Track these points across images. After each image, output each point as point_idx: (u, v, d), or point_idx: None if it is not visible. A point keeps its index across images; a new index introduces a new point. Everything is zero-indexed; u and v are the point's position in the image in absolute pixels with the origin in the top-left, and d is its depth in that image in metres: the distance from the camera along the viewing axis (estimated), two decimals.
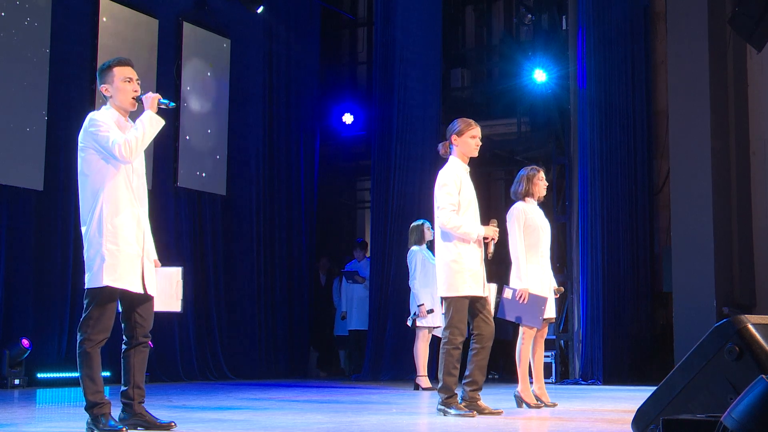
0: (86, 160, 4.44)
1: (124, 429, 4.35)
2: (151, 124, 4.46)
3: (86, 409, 4.38)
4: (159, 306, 4.66)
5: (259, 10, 11.19)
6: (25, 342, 8.33)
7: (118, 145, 4.36)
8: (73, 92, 9.30)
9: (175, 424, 4.56)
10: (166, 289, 4.70)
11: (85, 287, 4.39)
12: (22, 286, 8.74)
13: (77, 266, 9.04)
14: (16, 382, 8.35)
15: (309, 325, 12.13)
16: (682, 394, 3.25)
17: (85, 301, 4.39)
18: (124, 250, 4.39)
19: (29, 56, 8.88)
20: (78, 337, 4.36)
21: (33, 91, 8.91)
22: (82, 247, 4.50)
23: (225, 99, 11.11)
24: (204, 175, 10.76)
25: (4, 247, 8.59)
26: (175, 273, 4.78)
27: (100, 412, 4.35)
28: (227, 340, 10.87)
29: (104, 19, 9.56)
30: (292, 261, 11.86)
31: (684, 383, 3.25)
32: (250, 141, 11.43)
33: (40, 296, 8.87)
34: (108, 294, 4.35)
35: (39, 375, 8.62)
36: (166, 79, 10.19)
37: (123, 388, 4.54)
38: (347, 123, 13.26)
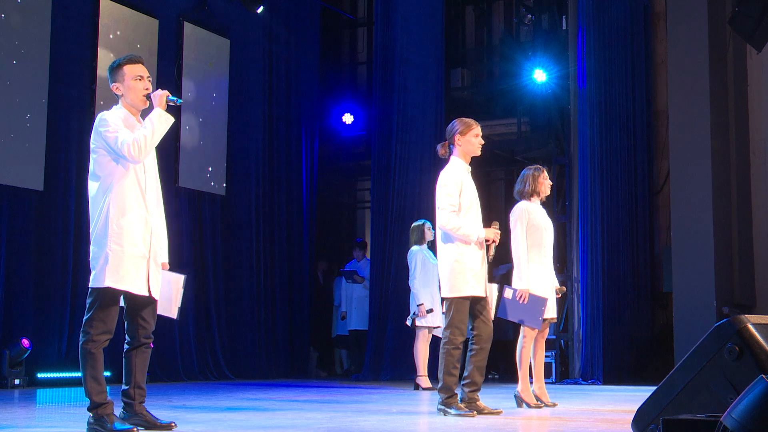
0: (97, 161, 4.41)
1: (135, 429, 4.34)
2: (160, 121, 4.42)
3: (90, 409, 4.36)
4: (157, 309, 4.63)
5: (259, 10, 11.19)
6: (25, 342, 8.33)
7: (127, 145, 4.32)
8: (73, 92, 9.30)
9: (176, 424, 4.56)
10: (166, 294, 4.66)
11: (89, 286, 4.38)
12: (22, 286, 8.73)
13: (77, 266, 9.05)
14: (17, 382, 8.34)
15: (309, 325, 12.13)
16: (682, 394, 3.25)
17: (88, 300, 4.37)
18: (128, 251, 4.36)
19: (29, 56, 8.88)
20: (81, 337, 4.33)
21: (33, 91, 8.90)
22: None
23: (225, 99, 11.12)
24: (204, 175, 10.76)
25: (4, 247, 8.59)
26: (178, 280, 4.75)
27: (104, 413, 4.34)
28: (227, 340, 10.87)
29: (104, 19, 9.55)
30: (292, 261, 11.86)
31: (684, 383, 3.25)
32: (250, 141, 11.43)
33: (40, 296, 8.86)
34: (110, 295, 4.34)
35: (39, 375, 8.62)
36: (167, 79, 10.19)
37: (124, 387, 4.54)
38: (347, 123, 13.26)
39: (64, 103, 9.17)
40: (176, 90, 10.29)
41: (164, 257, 4.68)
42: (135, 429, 4.33)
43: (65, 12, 9.23)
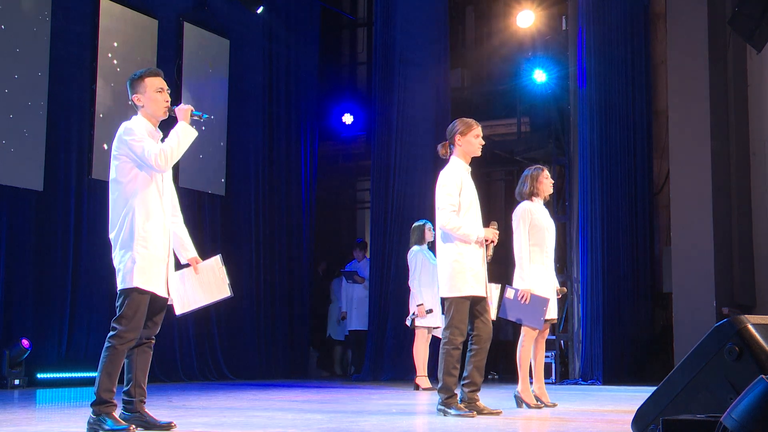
0: (119, 168, 4.55)
1: (132, 427, 4.36)
2: (186, 134, 4.64)
3: (93, 404, 4.38)
4: (209, 298, 4.88)
5: (259, 11, 11.19)
6: (25, 342, 8.33)
7: (154, 155, 4.50)
8: (73, 92, 9.30)
9: (175, 424, 4.57)
10: (211, 281, 4.89)
11: (118, 288, 4.48)
12: (22, 286, 8.74)
13: (77, 266, 9.06)
14: (16, 382, 8.34)
15: (309, 325, 12.13)
16: (682, 394, 3.25)
17: (117, 302, 4.48)
18: (153, 254, 4.51)
19: (29, 56, 8.88)
20: (110, 333, 4.41)
21: (33, 92, 8.91)
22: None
23: (225, 99, 11.11)
24: (204, 175, 10.76)
25: (4, 247, 8.59)
26: (215, 263, 4.94)
27: (106, 411, 4.36)
28: (227, 340, 10.87)
29: (104, 19, 9.55)
30: (292, 261, 11.86)
31: (684, 383, 3.25)
32: (250, 141, 11.43)
33: (40, 296, 8.87)
34: (138, 294, 4.44)
35: (39, 375, 8.62)
36: (167, 80, 10.14)
37: (125, 387, 4.57)
38: (347, 123, 13.27)
39: (64, 104, 9.17)
40: (176, 90, 10.29)
41: (193, 252, 4.89)
42: (134, 428, 4.35)
43: (65, 12, 9.23)
